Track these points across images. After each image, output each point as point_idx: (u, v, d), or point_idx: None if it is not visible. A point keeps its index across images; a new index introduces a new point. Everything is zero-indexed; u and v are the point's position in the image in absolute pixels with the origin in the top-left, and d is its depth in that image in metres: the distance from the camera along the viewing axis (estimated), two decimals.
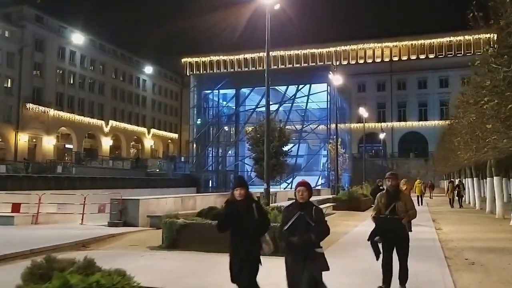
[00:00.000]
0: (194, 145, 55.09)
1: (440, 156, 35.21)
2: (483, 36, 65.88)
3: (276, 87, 50.91)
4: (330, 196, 24.57)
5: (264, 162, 14.37)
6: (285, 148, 23.87)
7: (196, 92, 53.96)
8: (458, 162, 23.94)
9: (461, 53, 67.30)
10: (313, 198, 5.03)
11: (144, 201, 14.01)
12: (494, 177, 19.54)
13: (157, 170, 51.74)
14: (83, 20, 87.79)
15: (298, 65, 68.87)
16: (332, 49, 71.86)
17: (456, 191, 27.01)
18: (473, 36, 66.86)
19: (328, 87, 45.67)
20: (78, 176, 33.92)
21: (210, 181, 53.15)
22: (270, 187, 23.86)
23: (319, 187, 45.92)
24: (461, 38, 68.40)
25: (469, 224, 17.12)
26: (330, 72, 34.91)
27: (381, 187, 13.96)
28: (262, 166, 22.14)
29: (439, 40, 69.76)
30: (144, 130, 75.80)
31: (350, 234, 13.25)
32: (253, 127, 24.76)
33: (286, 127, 51.50)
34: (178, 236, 10.15)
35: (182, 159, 64.64)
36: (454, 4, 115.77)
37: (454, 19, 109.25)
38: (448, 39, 69.19)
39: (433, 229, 15.26)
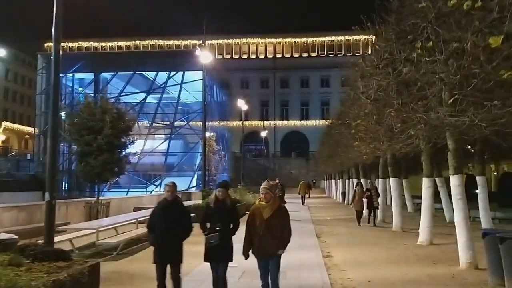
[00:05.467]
0: (41, 139, 45.17)
1: (325, 155, 31.59)
2: (362, 37, 67.32)
3: (144, 73, 44.11)
4: (191, 203, 18.77)
5: (47, 162, 8.38)
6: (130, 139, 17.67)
7: (45, 75, 44.24)
8: (352, 159, 19.00)
9: (341, 54, 67.66)
10: None
11: None
12: (391, 179, 15.64)
13: None
14: None
15: (170, 50, 61.98)
16: (214, 42, 66.99)
17: (365, 200, 16.98)
18: (353, 37, 67.49)
19: (205, 75, 40.07)
20: None
21: (63, 183, 43.73)
22: (104, 192, 17.75)
23: (193, 189, 40.40)
24: (341, 38, 68.94)
25: (366, 244, 12.64)
26: (198, 48, 29.26)
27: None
28: (88, 164, 15.79)
29: (321, 39, 69.84)
30: None
31: (191, 277, 7.59)
32: (79, 110, 17.97)
33: (157, 122, 46.06)
34: None
35: (28, 156, 53.54)
36: (337, 5, 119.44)
37: (336, 19, 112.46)
38: (329, 38, 69.52)
39: (320, 256, 10.39)
